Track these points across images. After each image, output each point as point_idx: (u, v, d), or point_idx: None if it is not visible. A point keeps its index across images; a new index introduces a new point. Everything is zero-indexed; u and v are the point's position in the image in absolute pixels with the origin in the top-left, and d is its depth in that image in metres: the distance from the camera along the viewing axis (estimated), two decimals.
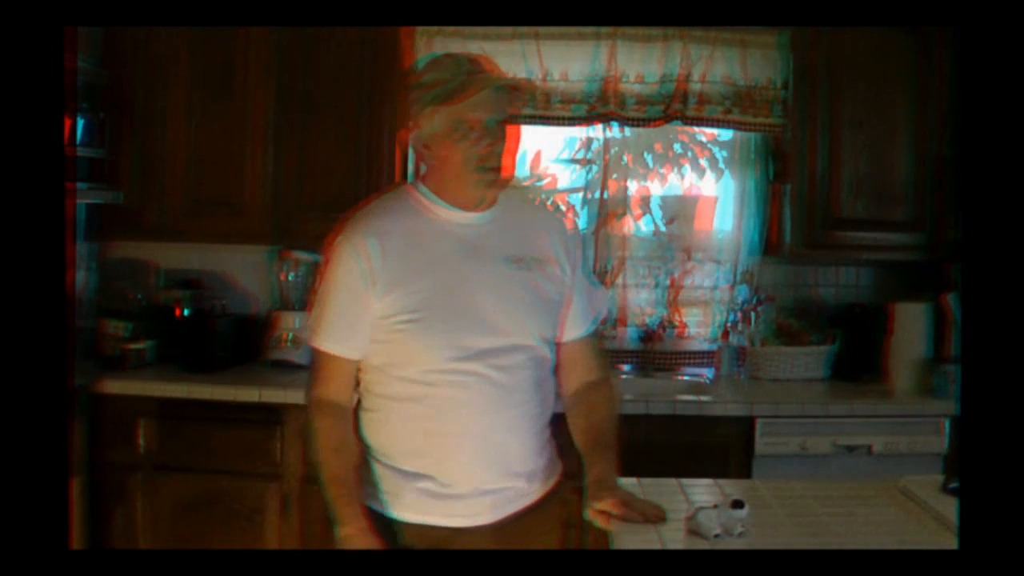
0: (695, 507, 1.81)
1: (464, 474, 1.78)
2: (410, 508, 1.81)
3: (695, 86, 3.33)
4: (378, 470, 1.84)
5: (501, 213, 1.87)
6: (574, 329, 1.95)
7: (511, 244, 1.85)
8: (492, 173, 1.79)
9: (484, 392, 1.77)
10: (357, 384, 1.88)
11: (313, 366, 1.88)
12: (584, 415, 1.93)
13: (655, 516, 1.76)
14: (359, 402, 1.89)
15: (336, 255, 1.82)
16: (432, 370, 1.77)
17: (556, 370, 1.96)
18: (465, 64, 1.79)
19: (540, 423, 1.87)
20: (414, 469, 1.79)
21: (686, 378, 3.50)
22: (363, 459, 1.86)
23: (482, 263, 1.81)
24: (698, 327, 3.63)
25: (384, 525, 1.81)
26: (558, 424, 1.95)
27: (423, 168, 1.90)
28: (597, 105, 3.34)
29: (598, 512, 1.75)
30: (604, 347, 2.11)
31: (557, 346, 1.93)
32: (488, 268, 1.81)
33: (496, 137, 1.78)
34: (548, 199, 3.63)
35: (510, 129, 1.81)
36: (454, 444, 1.78)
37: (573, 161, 3.63)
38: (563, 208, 3.62)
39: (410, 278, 1.78)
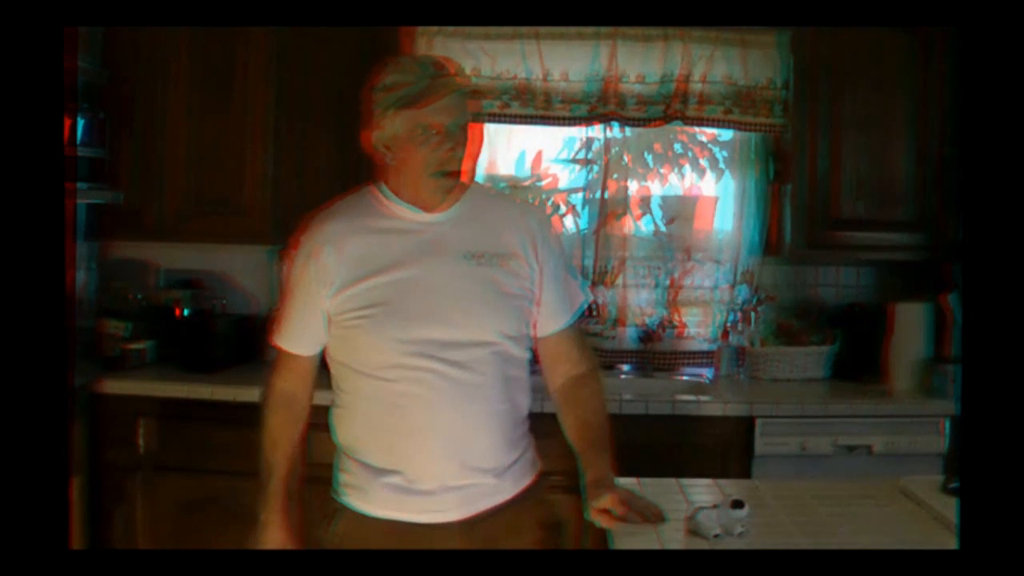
0: (695, 507, 1.81)
1: (428, 469, 1.79)
2: (379, 504, 1.82)
3: (695, 86, 3.33)
4: (349, 466, 1.87)
5: (464, 210, 1.87)
6: (552, 323, 1.93)
7: (471, 240, 1.84)
8: (451, 178, 1.81)
9: (440, 388, 1.77)
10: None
11: (274, 359, 1.95)
12: (573, 411, 1.92)
13: (654, 516, 1.76)
14: (332, 399, 1.92)
15: (295, 256, 1.88)
16: (387, 365, 1.78)
17: (540, 366, 1.96)
18: (429, 68, 1.79)
19: (509, 420, 1.85)
20: (382, 464, 1.81)
21: (686, 378, 3.50)
22: (336, 454, 1.90)
23: (439, 260, 1.81)
24: (698, 327, 3.63)
25: (356, 521, 1.84)
26: (542, 422, 1.94)
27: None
28: (597, 105, 3.34)
29: (600, 512, 1.74)
30: (587, 339, 2.09)
31: (535, 341, 1.93)
32: (445, 265, 1.81)
33: (456, 141, 1.79)
34: (548, 199, 3.63)
35: (471, 133, 1.83)
36: (417, 439, 1.78)
37: (573, 161, 3.62)
38: (563, 208, 3.62)
39: (365, 276, 1.80)
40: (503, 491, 1.85)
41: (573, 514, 1.89)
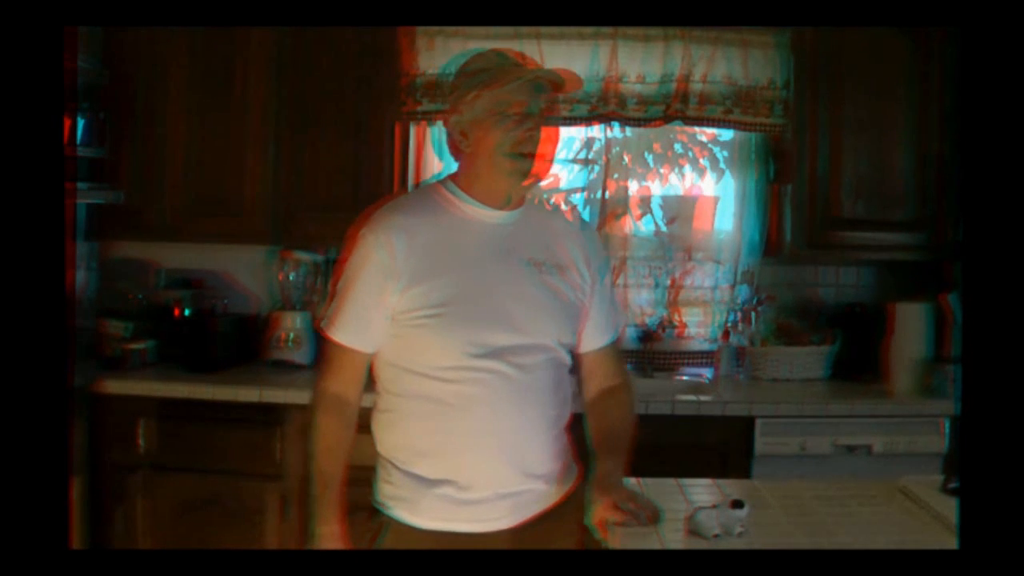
0: (695, 507, 1.81)
1: (482, 475, 1.77)
2: (428, 515, 1.80)
3: (696, 86, 3.33)
4: (395, 477, 1.82)
5: (525, 216, 1.87)
6: (596, 339, 1.96)
7: (534, 247, 1.85)
8: (526, 161, 1.79)
9: (502, 390, 1.77)
10: (370, 384, 1.87)
11: (325, 357, 1.87)
12: (600, 420, 1.94)
13: (650, 516, 1.74)
14: (375, 404, 1.89)
15: (359, 247, 1.81)
16: (450, 366, 1.76)
17: (576, 376, 1.96)
18: (510, 57, 1.83)
19: (559, 425, 1.87)
20: (432, 475, 1.78)
21: (686, 378, 3.50)
22: (380, 464, 1.86)
23: (506, 263, 1.81)
24: (698, 327, 3.63)
25: (404, 534, 1.80)
26: (576, 428, 1.94)
27: (451, 168, 1.91)
28: (598, 105, 3.34)
29: (598, 521, 1.72)
30: (623, 355, 2.10)
31: (576, 355, 1.94)
32: (511, 268, 1.81)
33: (534, 124, 1.78)
34: (548, 199, 3.63)
35: (547, 128, 1.82)
36: (472, 443, 1.77)
37: (573, 161, 3.63)
38: (564, 208, 3.62)
39: (433, 274, 1.77)
40: (550, 497, 1.85)
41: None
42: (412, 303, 1.76)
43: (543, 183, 3.17)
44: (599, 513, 1.70)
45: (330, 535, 1.79)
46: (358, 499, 1.89)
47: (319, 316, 1.91)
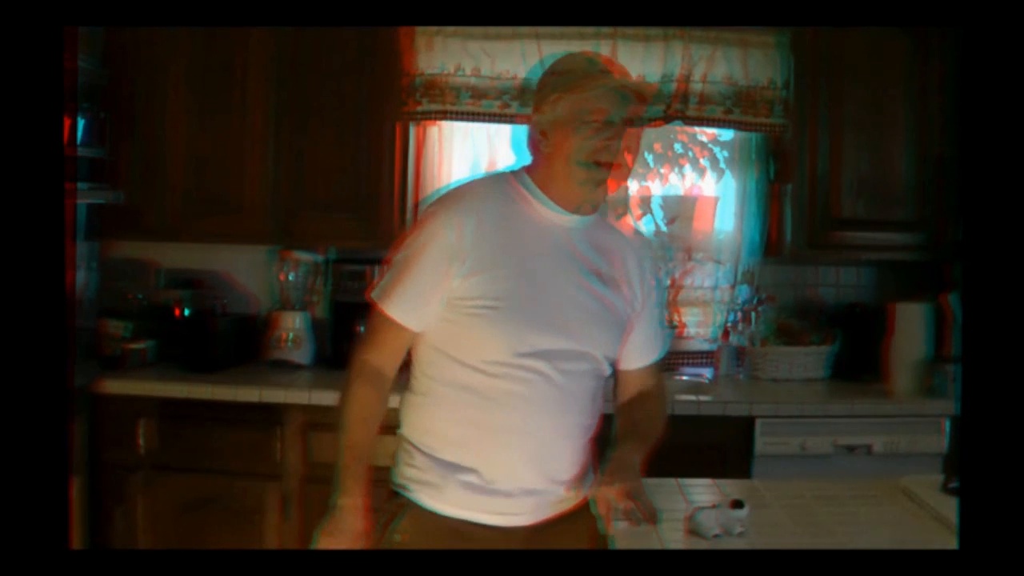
0: (695, 507, 1.81)
1: (507, 473, 1.77)
2: (451, 501, 1.79)
3: (696, 86, 3.33)
4: (419, 460, 1.81)
5: (592, 224, 1.86)
6: (638, 359, 1.95)
7: (595, 257, 1.84)
8: (602, 170, 1.77)
9: (543, 392, 1.76)
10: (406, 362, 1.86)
11: (369, 328, 1.84)
12: (628, 412, 1.93)
13: (647, 517, 1.72)
14: (408, 385, 1.87)
15: (429, 223, 1.78)
16: (498, 361, 1.74)
17: (613, 390, 1.96)
18: (598, 63, 1.82)
19: (588, 435, 1.86)
20: (458, 461, 1.77)
21: (686, 378, 3.50)
22: (402, 446, 1.85)
23: (567, 268, 1.80)
24: (698, 327, 3.63)
25: (424, 518, 1.79)
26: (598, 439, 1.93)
27: (530, 159, 1.87)
28: None
29: (603, 499, 1.68)
30: (663, 372, 2.09)
31: (616, 370, 1.94)
32: (571, 274, 1.80)
33: (613, 134, 1.76)
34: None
35: (630, 134, 1.80)
36: (504, 440, 1.76)
37: None
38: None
39: (496, 264, 1.75)
40: (569, 501, 1.84)
41: None
42: (471, 290, 1.74)
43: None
44: (604, 493, 1.67)
45: (353, 507, 1.77)
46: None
47: (371, 285, 1.84)
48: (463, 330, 1.76)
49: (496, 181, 1.88)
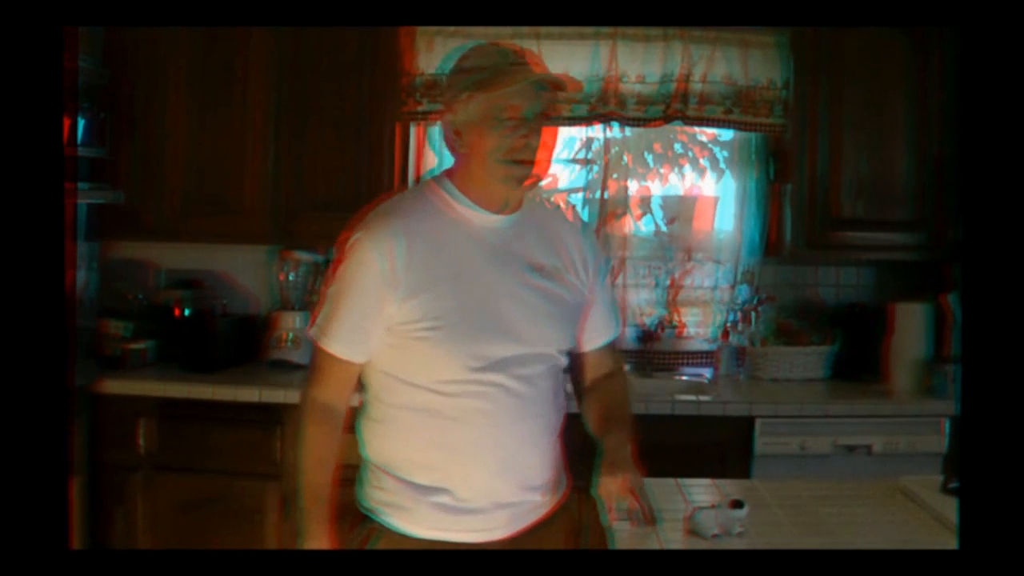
0: (694, 507, 1.81)
1: (481, 488, 1.73)
2: (423, 523, 1.74)
3: (695, 86, 3.33)
4: (387, 483, 1.76)
5: (523, 218, 1.80)
6: (596, 339, 1.91)
7: (533, 251, 1.79)
8: (522, 168, 1.70)
9: (505, 403, 1.72)
10: (357, 389, 1.82)
11: (313, 365, 1.79)
12: (598, 398, 1.89)
13: (647, 517, 1.68)
14: (364, 410, 1.82)
15: (356, 252, 1.72)
16: (452, 380, 1.69)
17: (571, 373, 1.92)
18: (509, 55, 1.73)
19: (556, 433, 1.82)
20: (428, 483, 1.72)
21: (685, 378, 3.50)
22: (369, 469, 1.80)
23: (505, 270, 1.74)
24: (698, 327, 3.63)
25: (398, 542, 1.75)
26: (566, 436, 1.90)
27: (448, 163, 1.83)
28: (597, 105, 3.34)
29: (607, 497, 1.66)
30: (619, 350, 2.07)
31: (572, 354, 1.89)
32: (511, 274, 1.75)
33: (530, 131, 1.69)
34: (548, 199, 3.63)
35: (546, 128, 1.74)
36: (472, 457, 1.72)
37: (573, 161, 3.63)
38: (562, 206, 3.61)
39: (433, 283, 1.69)
40: (545, 506, 1.81)
41: (593, 518, 1.87)
42: (412, 313, 1.69)
43: (542, 184, 3.15)
44: (607, 485, 1.65)
45: (323, 547, 1.74)
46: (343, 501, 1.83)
47: (309, 323, 1.80)
48: (411, 354, 1.71)
49: (418, 194, 1.82)
